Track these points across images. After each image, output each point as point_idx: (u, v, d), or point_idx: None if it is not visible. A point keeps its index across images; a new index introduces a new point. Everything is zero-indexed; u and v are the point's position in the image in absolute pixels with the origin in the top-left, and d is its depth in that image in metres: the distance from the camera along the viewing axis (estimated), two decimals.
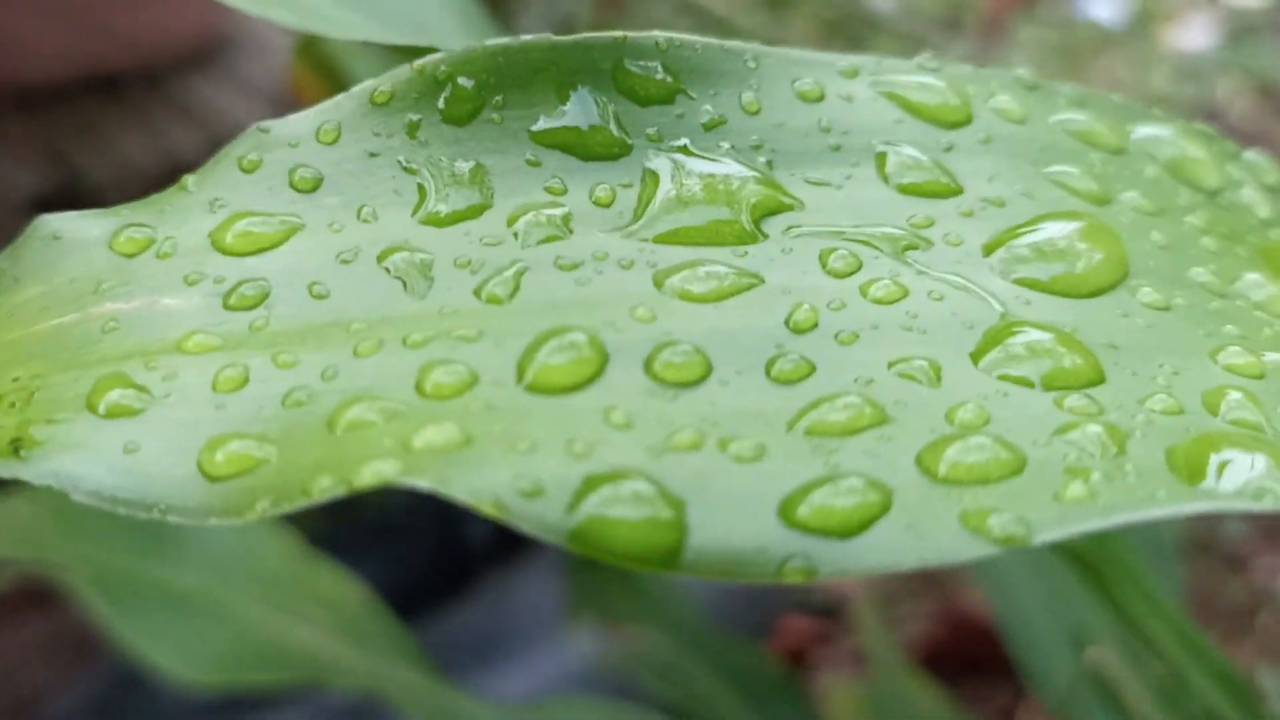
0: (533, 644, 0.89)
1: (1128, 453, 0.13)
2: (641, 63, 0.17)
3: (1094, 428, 0.14)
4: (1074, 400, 0.14)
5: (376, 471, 0.12)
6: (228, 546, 0.52)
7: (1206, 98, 1.45)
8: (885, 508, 0.12)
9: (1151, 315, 0.16)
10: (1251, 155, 0.23)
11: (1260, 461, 0.13)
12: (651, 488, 0.13)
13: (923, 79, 0.19)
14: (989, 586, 0.54)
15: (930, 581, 0.99)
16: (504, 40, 0.16)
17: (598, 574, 0.76)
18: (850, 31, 1.70)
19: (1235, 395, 0.15)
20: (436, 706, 0.47)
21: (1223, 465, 0.13)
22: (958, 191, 0.18)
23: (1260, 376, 0.16)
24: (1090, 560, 0.31)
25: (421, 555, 1.11)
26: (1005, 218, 0.17)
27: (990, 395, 0.14)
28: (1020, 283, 0.16)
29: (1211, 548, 0.98)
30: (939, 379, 0.14)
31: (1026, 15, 1.64)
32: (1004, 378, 0.14)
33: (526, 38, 0.16)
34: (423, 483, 0.12)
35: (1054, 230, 0.17)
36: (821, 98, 0.18)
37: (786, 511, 0.12)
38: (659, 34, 0.17)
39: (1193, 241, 0.19)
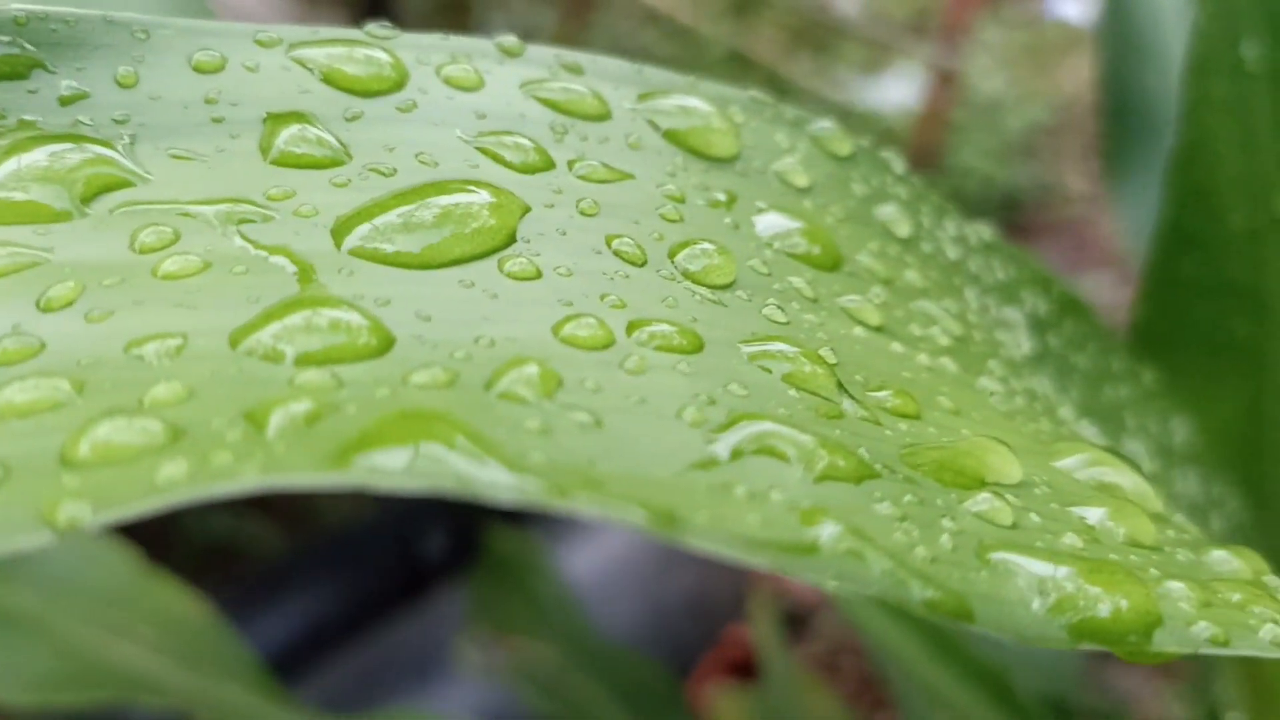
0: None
1: (320, 423, 0.12)
2: None
3: (299, 405, 0.12)
4: (311, 375, 0.13)
5: None
6: (61, 564, 0.52)
7: None
8: None
9: (506, 285, 0.15)
10: (822, 125, 0.22)
11: (429, 448, 0.12)
12: None
13: (366, 50, 0.18)
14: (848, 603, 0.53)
15: None
16: None
17: (496, 585, 0.75)
18: (816, 38, 1.69)
19: (530, 370, 0.14)
20: None
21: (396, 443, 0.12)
22: (340, 162, 0.16)
23: (605, 346, 0.15)
24: None
25: (379, 572, 1.11)
26: (385, 187, 0.16)
27: (221, 374, 0.13)
28: (358, 254, 0.15)
29: None
30: (179, 354, 0.13)
31: (992, 16, 1.62)
32: (254, 353, 0.13)
33: None
34: None
35: (441, 200, 0.16)
36: (221, 68, 0.17)
37: None
38: (17, 7, 0.16)
39: (646, 210, 0.18)
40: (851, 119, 1.48)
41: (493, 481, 0.11)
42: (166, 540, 1.00)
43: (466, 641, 0.72)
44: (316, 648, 0.98)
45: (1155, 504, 0.19)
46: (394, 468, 0.11)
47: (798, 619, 1.12)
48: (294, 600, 1.02)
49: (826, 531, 0.12)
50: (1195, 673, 0.40)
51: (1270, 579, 0.18)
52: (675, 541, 0.11)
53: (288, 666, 0.93)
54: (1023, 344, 0.25)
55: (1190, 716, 0.38)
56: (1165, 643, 0.13)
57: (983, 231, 0.25)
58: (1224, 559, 0.17)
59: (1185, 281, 0.32)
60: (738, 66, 1.55)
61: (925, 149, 1.31)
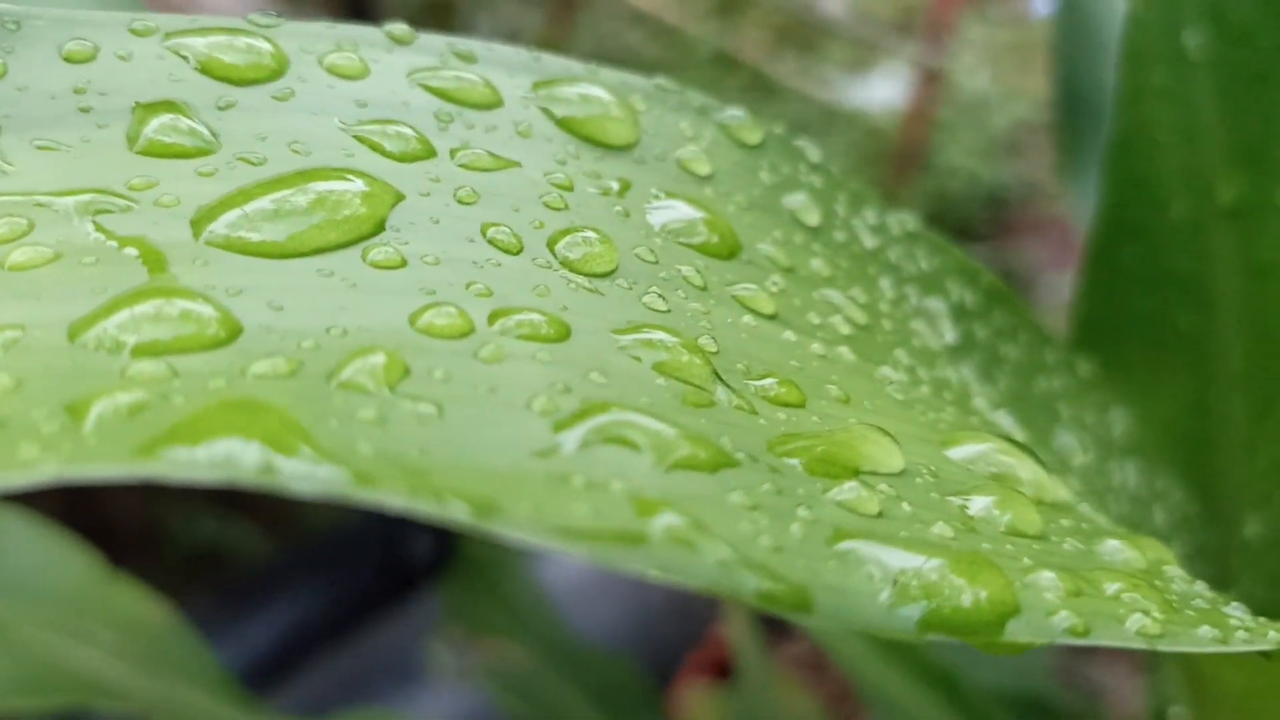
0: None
1: (142, 415, 0.12)
2: None
3: (126, 396, 0.12)
4: (145, 366, 0.13)
5: None
6: (21, 568, 0.52)
7: None
8: None
9: (367, 274, 0.15)
10: (731, 113, 0.22)
11: (241, 440, 0.11)
12: None
13: (247, 39, 0.18)
14: None
15: None
16: None
17: (470, 588, 0.75)
18: (801, 37, 1.68)
19: (376, 359, 0.13)
20: None
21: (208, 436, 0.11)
22: (208, 151, 0.16)
23: (463, 335, 0.14)
24: None
25: (366, 574, 1.10)
26: (253, 176, 0.16)
27: (54, 365, 0.13)
28: (215, 243, 0.15)
29: None
30: (14, 346, 0.13)
31: (977, 14, 1.61)
32: (91, 344, 0.13)
33: None
34: None
35: (313, 187, 0.16)
36: (92, 58, 0.17)
37: None
38: None
39: (529, 198, 0.17)
40: (838, 118, 1.48)
41: (296, 473, 0.11)
42: (153, 545, 1.00)
43: (440, 644, 0.71)
44: (304, 651, 0.98)
45: (1056, 493, 0.18)
46: (197, 460, 0.11)
47: (784, 619, 1.12)
48: (281, 604, 1.02)
49: (661, 522, 0.12)
50: (1154, 668, 0.40)
51: (1169, 569, 0.17)
52: (496, 532, 0.11)
53: (275, 670, 0.93)
54: (945, 334, 0.24)
55: (1147, 710, 0.37)
56: (1019, 633, 0.13)
57: (906, 220, 0.25)
58: (1117, 549, 0.17)
59: (1126, 272, 0.32)
60: (723, 66, 1.54)
61: (911, 147, 1.31)
